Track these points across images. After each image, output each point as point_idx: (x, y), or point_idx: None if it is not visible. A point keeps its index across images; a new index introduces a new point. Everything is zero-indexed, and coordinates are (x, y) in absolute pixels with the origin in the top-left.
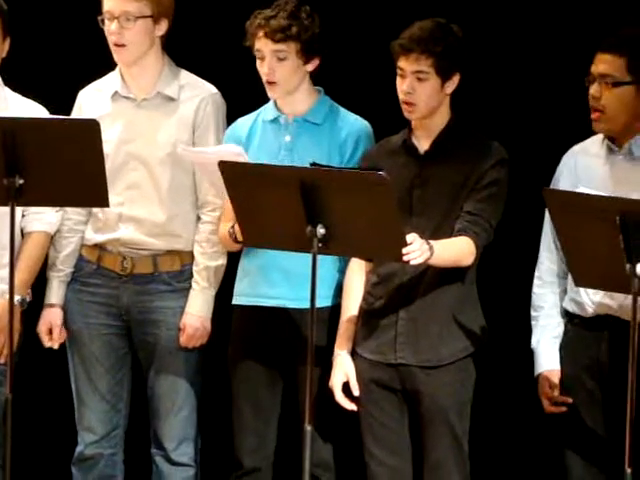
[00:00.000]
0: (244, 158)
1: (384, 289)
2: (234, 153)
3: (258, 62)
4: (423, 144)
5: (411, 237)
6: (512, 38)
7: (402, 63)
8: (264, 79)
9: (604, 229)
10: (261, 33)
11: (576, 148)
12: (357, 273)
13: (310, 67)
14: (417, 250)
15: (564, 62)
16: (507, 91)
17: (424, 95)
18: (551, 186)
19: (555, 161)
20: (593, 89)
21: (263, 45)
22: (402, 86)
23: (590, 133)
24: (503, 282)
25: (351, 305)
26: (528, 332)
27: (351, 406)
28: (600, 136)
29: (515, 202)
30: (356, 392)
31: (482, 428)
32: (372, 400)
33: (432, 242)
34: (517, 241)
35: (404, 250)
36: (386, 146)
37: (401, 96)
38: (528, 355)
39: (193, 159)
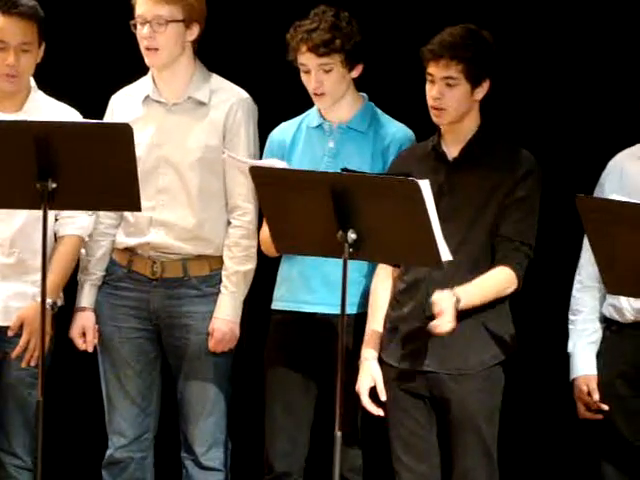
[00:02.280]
0: None
1: (411, 296)
2: (278, 168)
3: (303, 75)
4: (452, 150)
5: (436, 297)
6: (543, 44)
7: (432, 69)
8: (311, 92)
9: (636, 237)
10: (304, 48)
11: (622, 154)
12: (384, 279)
13: (355, 74)
14: (443, 313)
15: (596, 68)
16: (538, 97)
17: (453, 101)
18: (595, 191)
19: (590, 166)
20: None
21: (307, 59)
22: (431, 92)
23: (625, 138)
24: (537, 287)
25: (378, 311)
26: (562, 337)
27: (378, 411)
28: None
29: (551, 208)
30: (383, 397)
31: (512, 435)
32: (401, 408)
33: (459, 291)
34: (552, 246)
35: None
36: (415, 151)
37: (430, 102)
38: (561, 360)
39: (236, 167)
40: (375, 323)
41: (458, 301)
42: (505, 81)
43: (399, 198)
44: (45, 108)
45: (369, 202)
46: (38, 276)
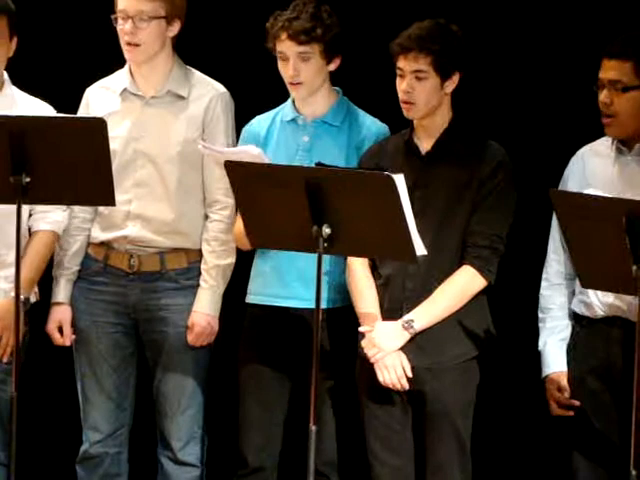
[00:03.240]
0: (263, 159)
1: (387, 290)
2: (254, 155)
3: (280, 63)
4: (425, 144)
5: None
6: (514, 37)
7: (401, 63)
8: (287, 80)
9: (611, 230)
10: (284, 35)
11: (585, 149)
12: (363, 270)
13: (332, 67)
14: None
15: (566, 61)
16: (510, 90)
17: (423, 94)
18: (559, 187)
19: (560, 161)
20: (603, 95)
21: (287, 47)
22: (401, 86)
23: (593, 132)
24: (510, 284)
25: (371, 301)
26: (534, 334)
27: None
28: (609, 137)
29: (521, 204)
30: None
31: (486, 430)
32: (376, 401)
33: (413, 315)
34: (524, 243)
35: (369, 353)
36: (387, 146)
37: (401, 95)
38: (534, 357)
39: (212, 156)
40: (368, 306)
41: (412, 327)
42: (476, 75)
43: (374, 192)
44: (19, 102)
45: (343, 197)
46: (11, 271)
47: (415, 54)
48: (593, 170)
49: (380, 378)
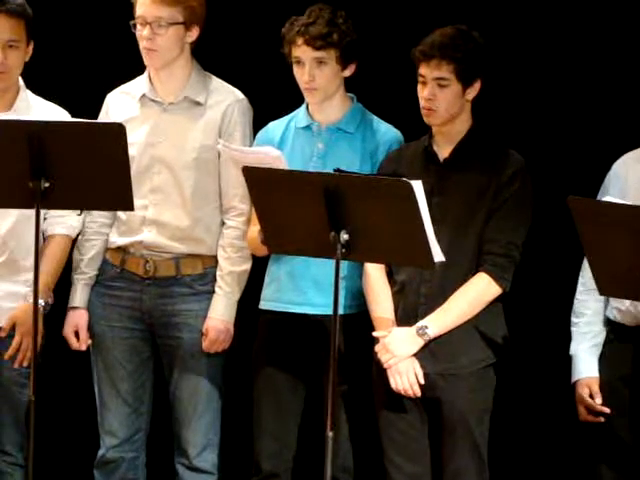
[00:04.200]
0: (283, 161)
1: (402, 296)
2: (273, 156)
3: (296, 69)
4: (443, 151)
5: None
6: (535, 45)
7: (423, 70)
8: (303, 86)
9: (628, 238)
10: (300, 40)
11: (629, 156)
12: (379, 275)
13: (347, 73)
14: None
15: (589, 69)
16: (530, 98)
17: (445, 101)
18: (599, 193)
19: (584, 167)
20: None
21: (302, 52)
22: (423, 93)
23: (618, 140)
24: (537, 289)
25: (386, 306)
26: (552, 341)
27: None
28: None
29: (548, 209)
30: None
31: (503, 437)
32: (393, 408)
33: (427, 322)
34: (549, 248)
35: (382, 359)
36: (405, 152)
37: (422, 102)
38: (550, 364)
39: (231, 156)
40: (383, 311)
41: (426, 333)
42: (497, 82)
43: (392, 199)
44: (34, 107)
45: (362, 203)
46: (30, 276)
47: (437, 61)
48: (637, 177)
49: (393, 384)
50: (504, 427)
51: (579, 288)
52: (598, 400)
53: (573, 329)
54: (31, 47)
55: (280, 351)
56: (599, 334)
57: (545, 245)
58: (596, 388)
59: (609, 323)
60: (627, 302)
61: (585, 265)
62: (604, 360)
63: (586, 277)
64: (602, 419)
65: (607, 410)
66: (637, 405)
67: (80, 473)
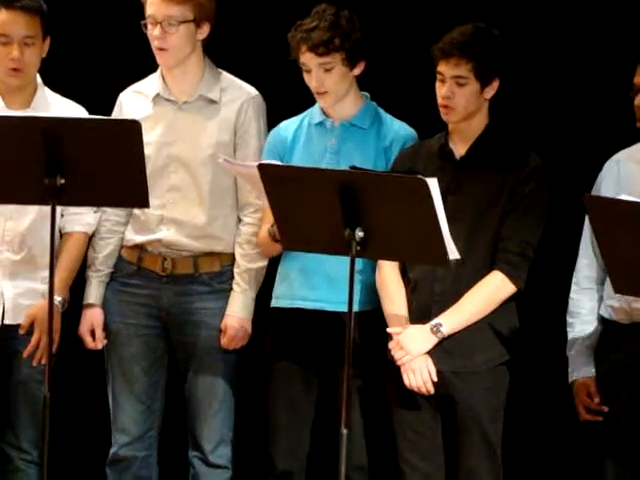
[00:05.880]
0: None
1: (416, 294)
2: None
3: (305, 74)
4: (459, 149)
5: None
6: (552, 44)
7: (442, 67)
8: (313, 91)
9: None
10: (304, 48)
11: (620, 155)
12: (393, 272)
13: (357, 71)
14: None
15: (605, 69)
16: (547, 98)
17: (463, 100)
18: (592, 192)
19: (593, 166)
20: (638, 100)
21: (307, 59)
22: (442, 90)
23: (629, 138)
24: (539, 288)
25: (399, 303)
26: (563, 339)
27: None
28: None
29: (552, 209)
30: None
31: (517, 436)
32: (406, 406)
33: (442, 319)
34: (554, 247)
35: (396, 356)
36: (422, 149)
37: (440, 100)
38: (562, 362)
39: (235, 171)
40: (397, 308)
41: (439, 331)
42: (514, 81)
43: (407, 196)
44: (53, 105)
45: (377, 200)
46: (46, 273)
47: (456, 60)
48: (628, 176)
49: (406, 381)
50: (517, 426)
51: (573, 288)
52: (596, 399)
53: (568, 329)
54: (47, 43)
55: (293, 348)
56: (594, 333)
57: (554, 244)
58: (593, 388)
59: (603, 322)
60: (620, 300)
61: (578, 265)
62: (600, 359)
63: (579, 277)
64: (601, 418)
65: (605, 409)
66: (634, 403)
67: (92, 471)
